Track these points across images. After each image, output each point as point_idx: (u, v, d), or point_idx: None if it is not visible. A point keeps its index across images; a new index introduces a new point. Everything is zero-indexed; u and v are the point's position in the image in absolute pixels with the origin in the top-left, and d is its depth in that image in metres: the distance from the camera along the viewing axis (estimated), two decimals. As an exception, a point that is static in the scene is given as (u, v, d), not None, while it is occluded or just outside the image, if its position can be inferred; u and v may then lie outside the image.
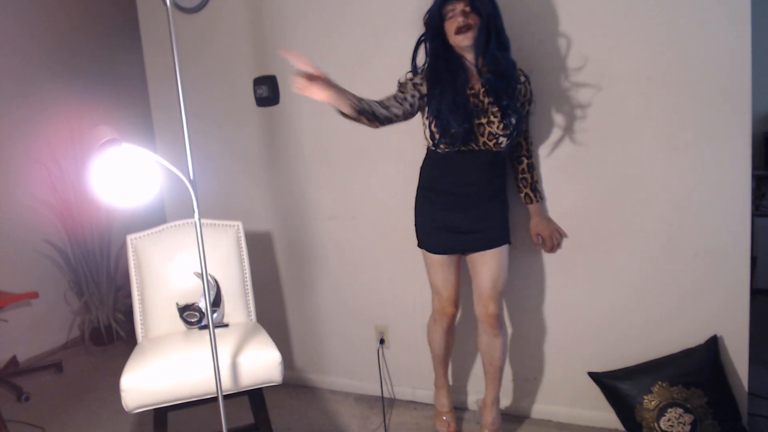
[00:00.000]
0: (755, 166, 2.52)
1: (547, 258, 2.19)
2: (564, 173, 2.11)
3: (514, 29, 1.98)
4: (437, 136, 1.85)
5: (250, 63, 2.61)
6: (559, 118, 2.08)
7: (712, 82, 1.86)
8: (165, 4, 1.54)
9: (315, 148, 2.56)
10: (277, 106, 2.60)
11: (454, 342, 2.24)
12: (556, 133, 2.10)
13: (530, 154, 2.06)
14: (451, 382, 2.44)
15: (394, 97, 1.82)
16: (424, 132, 1.92)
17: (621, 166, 2.03)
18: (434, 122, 1.85)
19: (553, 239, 2.11)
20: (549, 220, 2.13)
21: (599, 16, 1.97)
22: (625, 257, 2.08)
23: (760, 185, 3.51)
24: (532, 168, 2.06)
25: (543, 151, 2.13)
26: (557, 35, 2.03)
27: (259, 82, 2.59)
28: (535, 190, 2.07)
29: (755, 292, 2.43)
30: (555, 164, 2.12)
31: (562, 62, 2.04)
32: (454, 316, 2.11)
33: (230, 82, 2.68)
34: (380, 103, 1.75)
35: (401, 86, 1.89)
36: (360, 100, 1.65)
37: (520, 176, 2.06)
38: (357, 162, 2.47)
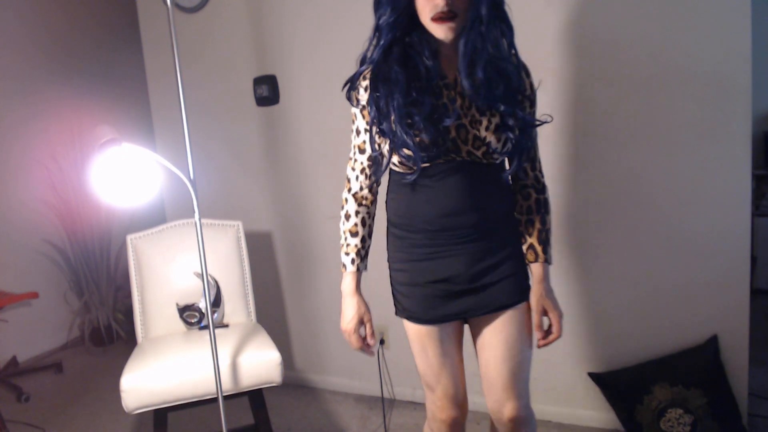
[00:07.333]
0: (755, 166, 2.52)
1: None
2: (563, 173, 2.11)
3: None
4: (386, 152, 1.27)
5: (250, 63, 2.61)
6: (556, 118, 2.08)
7: (712, 82, 1.86)
8: (165, 4, 1.54)
9: (315, 148, 2.56)
10: (277, 106, 2.60)
11: None
12: (554, 133, 2.10)
13: (541, 186, 1.39)
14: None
15: (362, 175, 1.38)
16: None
17: (621, 165, 2.03)
18: (378, 136, 1.28)
19: (560, 325, 1.39)
20: (553, 295, 1.42)
21: (598, 14, 1.97)
22: (624, 257, 2.08)
23: (760, 185, 3.51)
24: (543, 207, 1.38)
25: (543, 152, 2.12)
26: (554, 33, 2.03)
27: (259, 82, 2.59)
28: (546, 243, 1.37)
29: (755, 292, 2.43)
30: (555, 164, 2.12)
31: (558, 61, 2.04)
32: (457, 423, 1.40)
33: (230, 81, 2.68)
34: (368, 211, 1.42)
35: (356, 136, 1.36)
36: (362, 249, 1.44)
37: (525, 218, 1.38)
38: (357, 162, 2.46)
